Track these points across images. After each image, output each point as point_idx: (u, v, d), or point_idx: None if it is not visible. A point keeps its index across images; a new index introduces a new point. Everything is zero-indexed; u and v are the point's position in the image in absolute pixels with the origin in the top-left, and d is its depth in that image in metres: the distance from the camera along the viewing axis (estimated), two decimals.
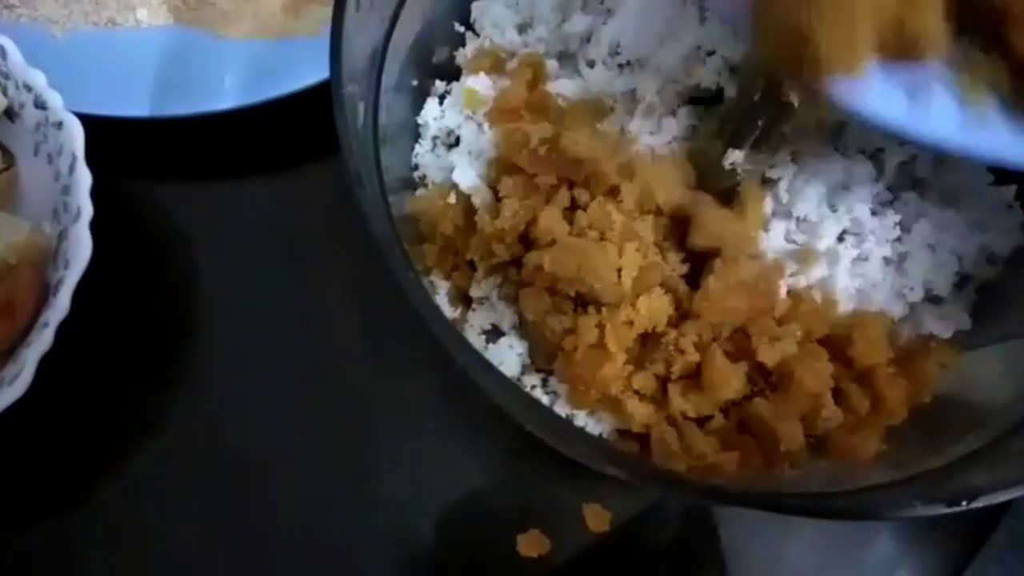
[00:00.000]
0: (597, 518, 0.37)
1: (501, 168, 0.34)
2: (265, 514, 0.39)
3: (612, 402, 0.31)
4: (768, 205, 0.32)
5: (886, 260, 0.33)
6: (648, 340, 0.32)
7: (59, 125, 0.37)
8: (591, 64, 0.36)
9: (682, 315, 0.32)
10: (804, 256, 0.32)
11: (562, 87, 0.35)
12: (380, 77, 0.33)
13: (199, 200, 0.44)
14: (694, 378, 0.31)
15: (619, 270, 0.31)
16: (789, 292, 0.32)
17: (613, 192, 0.32)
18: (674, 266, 0.32)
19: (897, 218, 0.33)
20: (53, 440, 0.39)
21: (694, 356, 0.31)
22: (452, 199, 0.34)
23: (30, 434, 0.38)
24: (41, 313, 0.34)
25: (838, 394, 0.31)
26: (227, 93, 0.41)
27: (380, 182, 0.31)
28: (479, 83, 0.36)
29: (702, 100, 0.34)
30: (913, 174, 0.33)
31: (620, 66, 0.35)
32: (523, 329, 0.34)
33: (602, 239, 0.31)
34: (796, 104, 0.29)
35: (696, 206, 0.31)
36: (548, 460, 0.38)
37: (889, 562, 0.38)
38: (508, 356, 0.34)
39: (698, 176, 0.33)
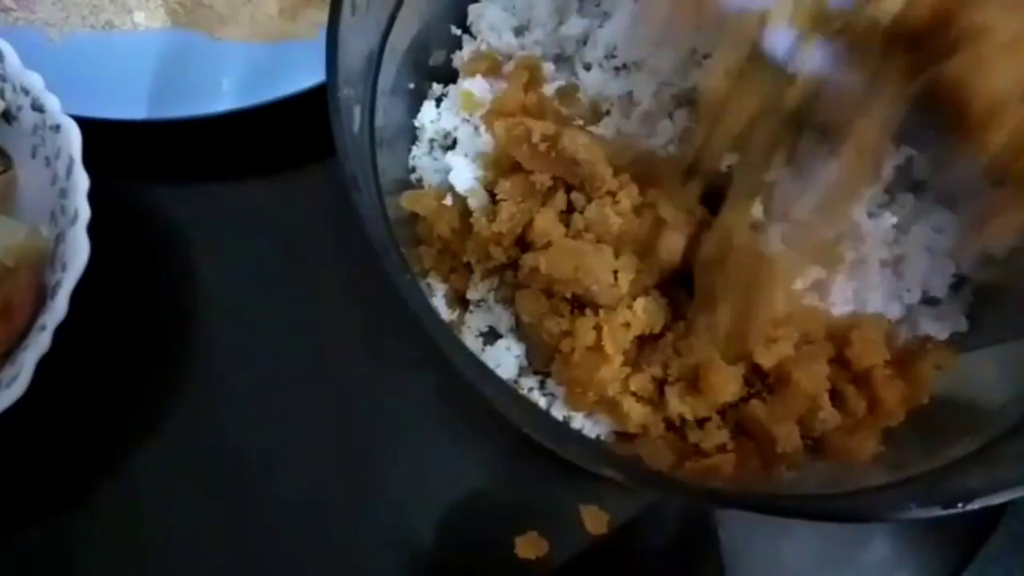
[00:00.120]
0: (595, 520, 0.37)
1: (499, 167, 0.34)
2: (264, 514, 0.39)
3: (609, 404, 0.32)
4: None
5: (883, 262, 0.33)
6: (645, 343, 0.32)
7: (56, 128, 0.37)
8: (587, 67, 0.36)
9: (679, 317, 0.32)
10: None
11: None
12: (376, 80, 0.33)
13: (196, 203, 0.44)
14: (691, 380, 0.31)
15: (615, 272, 0.31)
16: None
17: (610, 194, 0.32)
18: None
19: (894, 220, 0.33)
20: (52, 441, 0.39)
21: (691, 358, 0.31)
22: (448, 201, 0.34)
23: (29, 436, 0.38)
24: (39, 316, 0.34)
25: (835, 396, 0.31)
26: (224, 96, 0.41)
27: (377, 185, 0.31)
28: (476, 86, 0.36)
29: (698, 103, 0.34)
30: (910, 176, 0.33)
31: (616, 69, 0.35)
32: (520, 331, 0.34)
33: (599, 241, 0.31)
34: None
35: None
36: (546, 462, 0.38)
37: (887, 563, 0.38)
38: (505, 358, 0.34)
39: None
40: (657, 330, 0.31)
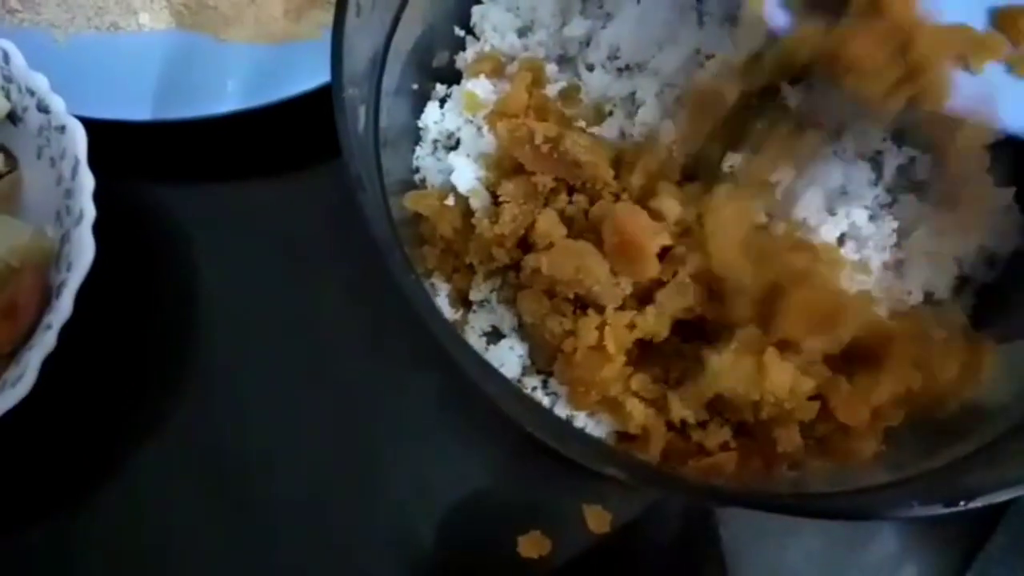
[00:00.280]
0: (598, 519, 0.37)
1: (501, 168, 0.34)
2: (265, 514, 0.39)
3: (612, 403, 0.32)
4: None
5: (885, 264, 0.33)
6: (649, 344, 0.32)
7: (62, 129, 0.37)
8: (590, 68, 0.36)
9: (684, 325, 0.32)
10: None
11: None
12: (381, 81, 0.33)
13: (200, 203, 0.45)
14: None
15: (616, 272, 0.31)
16: None
17: (613, 196, 0.32)
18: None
19: (895, 224, 0.33)
20: (55, 441, 0.40)
21: (694, 362, 0.31)
22: (450, 201, 0.34)
23: (33, 435, 0.38)
24: (44, 315, 0.35)
25: None
26: (229, 97, 0.42)
27: (381, 185, 0.31)
28: (479, 87, 0.36)
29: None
30: (912, 176, 0.34)
31: (619, 70, 0.36)
32: (523, 331, 0.34)
33: (599, 243, 0.31)
34: (794, 107, 0.29)
35: None
36: (549, 461, 0.38)
37: (889, 563, 0.38)
38: (509, 358, 0.34)
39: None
40: (662, 337, 0.31)
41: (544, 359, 0.34)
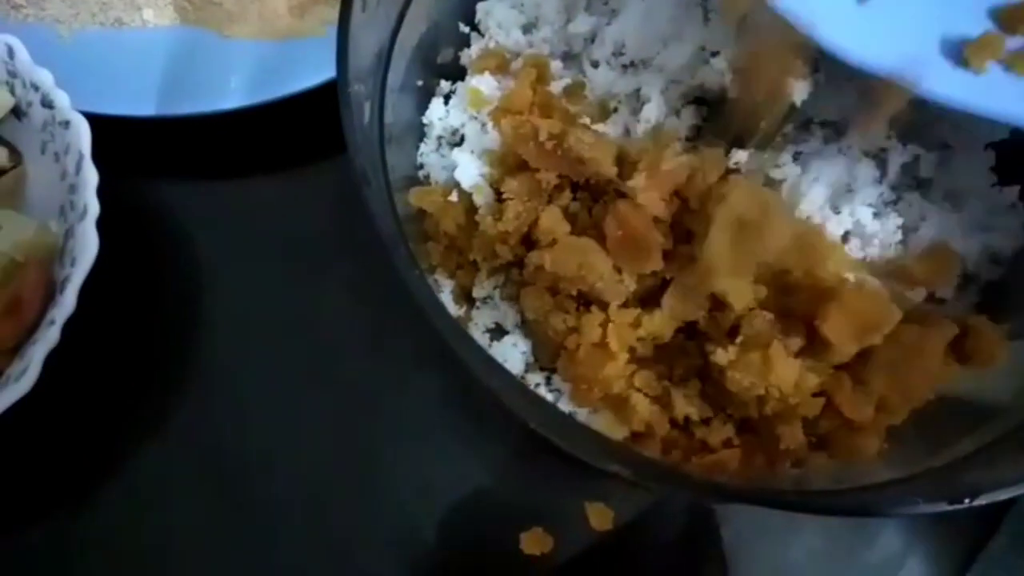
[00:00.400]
0: (600, 516, 0.37)
1: (505, 164, 0.34)
2: (266, 514, 0.39)
3: (615, 400, 0.32)
4: None
5: (889, 262, 0.33)
6: (652, 343, 0.32)
7: (66, 124, 0.37)
8: (595, 64, 0.36)
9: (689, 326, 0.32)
10: None
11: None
12: (386, 77, 0.33)
13: (205, 199, 0.45)
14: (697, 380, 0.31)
15: (620, 269, 0.31)
16: None
17: (617, 194, 0.32)
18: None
19: (900, 221, 0.33)
20: (55, 439, 0.40)
21: (697, 359, 0.31)
22: (454, 197, 0.34)
23: (33, 432, 0.38)
24: (48, 311, 0.35)
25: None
26: (233, 93, 0.42)
27: (386, 181, 0.31)
28: (484, 83, 0.36)
29: (706, 100, 0.34)
30: (916, 174, 0.34)
31: (624, 66, 0.35)
32: (526, 328, 0.34)
33: (602, 239, 0.31)
34: (799, 104, 0.29)
35: None
36: (551, 458, 0.38)
37: (891, 562, 0.38)
38: (512, 354, 0.34)
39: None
40: (665, 339, 0.31)
41: (547, 356, 0.34)
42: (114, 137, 0.38)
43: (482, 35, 0.38)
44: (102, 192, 0.35)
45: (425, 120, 0.37)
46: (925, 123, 0.32)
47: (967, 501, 0.23)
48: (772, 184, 0.32)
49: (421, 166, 0.37)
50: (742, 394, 0.29)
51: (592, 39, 0.36)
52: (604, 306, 0.31)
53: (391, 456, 0.39)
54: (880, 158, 0.33)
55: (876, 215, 0.33)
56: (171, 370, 0.41)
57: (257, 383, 0.41)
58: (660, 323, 0.31)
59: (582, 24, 0.36)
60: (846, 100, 0.32)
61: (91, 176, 0.35)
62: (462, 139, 0.36)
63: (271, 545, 0.38)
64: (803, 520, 0.38)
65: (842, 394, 0.29)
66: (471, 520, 0.38)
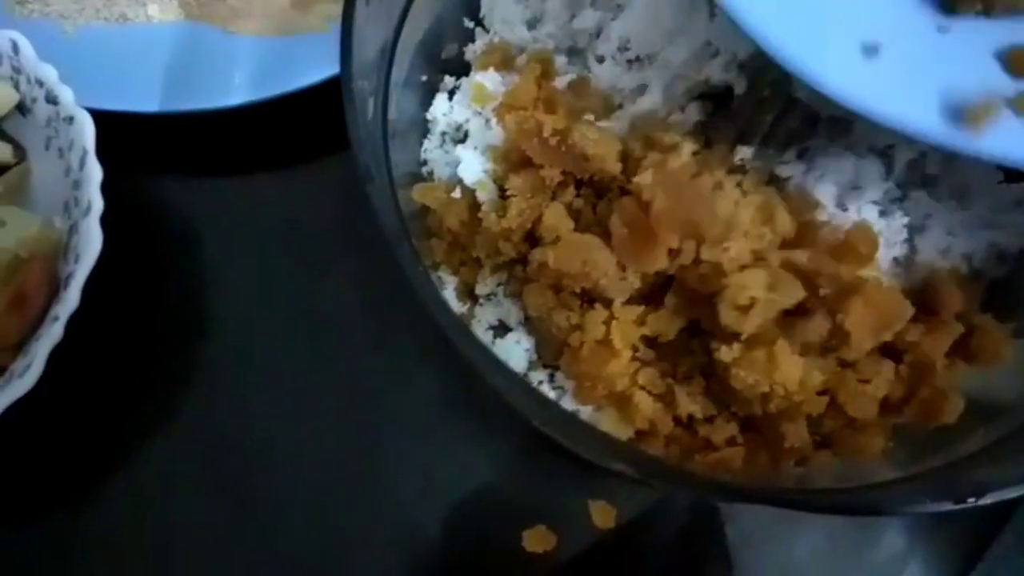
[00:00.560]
0: (603, 515, 0.37)
1: (509, 160, 0.34)
2: (268, 511, 0.39)
3: (618, 398, 0.31)
4: None
5: (896, 260, 0.33)
6: (656, 340, 0.32)
7: (70, 120, 0.37)
8: (600, 60, 0.36)
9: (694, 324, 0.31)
10: None
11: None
12: (389, 72, 0.33)
13: (208, 195, 0.45)
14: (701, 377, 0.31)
15: (624, 266, 0.30)
16: None
17: (621, 190, 0.32)
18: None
19: (906, 220, 0.32)
20: (61, 434, 0.40)
21: (702, 356, 0.31)
22: (457, 194, 0.34)
23: (36, 429, 0.38)
24: (51, 306, 0.35)
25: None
26: (237, 89, 0.42)
27: (389, 177, 0.31)
28: (488, 79, 0.36)
29: (711, 96, 0.34)
30: (923, 171, 0.33)
31: (629, 62, 0.35)
32: (530, 325, 0.34)
33: (607, 236, 0.31)
34: (804, 100, 0.29)
35: None
36: (554, 456, 0.38)
37: (895, 561, 0.38)
38: (515, 352, 0.34)
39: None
40: (669, 337, 0.31)
41: (551, 353, 0.34)
42: (118, 133, 0.38)
43: (486, 30, 0.38)
44: (106, 188, 0.35)
45: (429, 116, 0.37)
46: None
47: (972, 500, 0.23)
48: (778, 181, 0.32)
49: (425, 162, 0.37)
50: (746, 392, 0.28)
51: (597, 34, 0.36)
52: (608, 303, 0.31)
53: (393, 453, 0.39)
54: (887, 155, 0.33)
55: (882, 213, 0.33)
56: (174, 367, 0.41)
57: (260, 379, 0.41)
58: (664, 320, 0.30)
59: (587, 19, 0.36)
60: None
61: (95, 172, 0.35)
62: (466, 135, 0.36)
63: (273, 542, 0.38)
64: (807, 519, 0.38)
65: (847, 392, 0.29)
66: (473, 517, 0.38)
